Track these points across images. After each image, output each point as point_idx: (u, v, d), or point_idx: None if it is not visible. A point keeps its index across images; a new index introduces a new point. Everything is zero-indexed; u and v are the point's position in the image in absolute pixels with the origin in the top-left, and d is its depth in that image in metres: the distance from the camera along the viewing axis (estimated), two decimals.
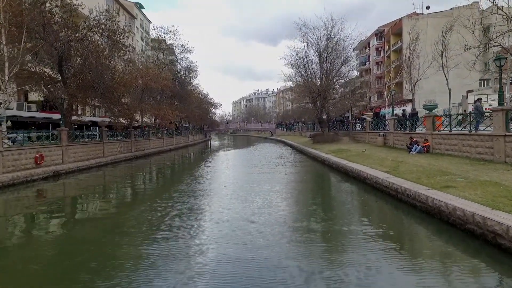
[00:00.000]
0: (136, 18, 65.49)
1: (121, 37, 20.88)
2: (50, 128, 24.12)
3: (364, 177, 12.49)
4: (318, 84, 30.79)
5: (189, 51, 41.95)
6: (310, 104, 34.87)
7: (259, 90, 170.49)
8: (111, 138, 25.93)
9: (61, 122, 20.02)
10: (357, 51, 73.68)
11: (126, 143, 27.83)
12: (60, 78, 20.73)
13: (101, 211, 10.83)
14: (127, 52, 21.86)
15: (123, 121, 24.11)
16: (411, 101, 52.70)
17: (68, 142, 19.66)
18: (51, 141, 18.38)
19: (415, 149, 16.96)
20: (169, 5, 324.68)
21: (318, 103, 30.73)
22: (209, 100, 69.70)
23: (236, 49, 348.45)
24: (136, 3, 67.27)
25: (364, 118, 27.58)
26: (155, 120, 31.57)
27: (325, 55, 30.14)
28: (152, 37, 40.94)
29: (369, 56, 71.63)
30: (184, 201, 10.97)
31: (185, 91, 40.78)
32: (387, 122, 23.45)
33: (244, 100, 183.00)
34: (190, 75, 43.19)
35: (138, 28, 67.25)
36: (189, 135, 53.01)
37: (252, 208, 9.54)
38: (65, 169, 17.95)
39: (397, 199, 9.59)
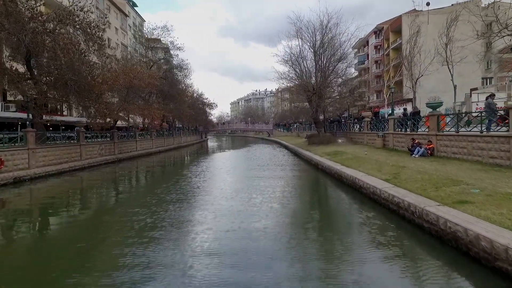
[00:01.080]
0: (128, 16, 63.78)
1: (96, 30, 19.06)
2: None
3: (360, 186, 10.75)
4: (314, 82, 29.06)
5: (179, 49, 40.19)
6: (306, 104, 33.17)
7: (257, 91, 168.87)
8: (90, 140, 24.18)
9: (27, 122, 18.23)
10: (356, 50, 72.04)
11: (108, 145, 26.07)
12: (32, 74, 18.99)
13: (44, 229, 9.08)
14: (104, 47, 20.08)
15: (100, 121, 22.31)
16: (411, 100, 51.09)
17: (37, 144, 17.89)
18: (15, 144, 16.61)
19: (418, 152, 15.23)
20: (166, 7, 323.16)
21: (314, 102, 29.01)
22: (204, 100, 68.04)
23: (234, 50, 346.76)
24: (129, 1, 65.55)
25: (363, 118, 25.83)
26: (143, 120, 29.83)
27: (321, 51, 28.42)
28: (141, 34, 39.12)
29: (367, 55, 69.97)
30: (149, 216, 9.22)
31: (176, 90, 38.97)
32: (386, 122, 21.73)
33: (243, 101, 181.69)
34: (181, 74, 41.35)
35: (130, 27, 65.55)
36: (182, 136, 51.21)
37: (210, 234, 7.52)
38: (30, 175, 16.18)
39: (399, 215, 7.84)
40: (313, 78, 29.47)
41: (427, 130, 16.55)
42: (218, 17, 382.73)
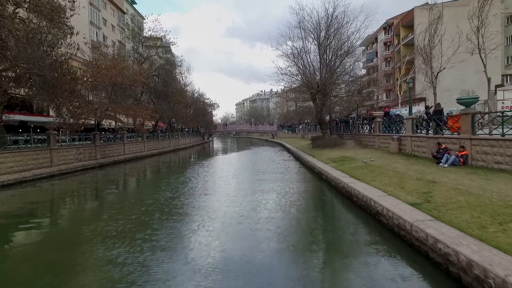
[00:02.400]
0: (126, 13, 61.48)
1: (61, 15, 16.38)
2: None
3: (378, 212, 7.74)
4: (318, 79, 26.04)
5: (171, 44, 37.28)
6: (310, 103, 30.13)
7: (263, 91, 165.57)
8: (65, 144, 21.55)
9: None
10: (364, 47, 68.64)
11: (88, 149, 23.41)
12: None
13: None
14: (70, 36, 17.37)
15: (73, 121, 19.59)
16: (424, 100, 47.69)
17: None
18: None
19: (447, 160, 12.15)
20: (173, 9, 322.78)
21: (318, 100, 25.98)
22: (206, 100, 65.39)
23: (241, 51, 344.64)
24: None
25: (373, 118, 22.72)
26: (134, 121, 27.14)
27: (326, 44, 25.39)
28: (132, 28, 36.35)
29: (376, 52, 66.56)
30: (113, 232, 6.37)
31: (171, 89, 36.20)
32: (402, 123, 18.60)
33: (248, 101, 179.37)
34: (176, 71, 38.44)
35: (129, 24, 63.29)
36: (180, 138, 48.51)
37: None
38: None
39: (454, 277, 4.82)
40: (318, 74, 26.46)
41: (455, 133, 13.45)
42: (224, 18, 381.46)
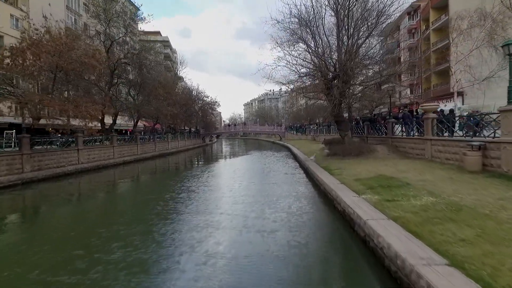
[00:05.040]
0: (117, 2, 55.08)
1: None
2: None
3: None
4: (335, 59, 18.57)
5: (142, 20, 30.29)
6: (323, 96, 22.47)
7: (272, 91, 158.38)
8: None
9: None
10: (382, 38, 60.44)
11: (10, 158, 16.58)
12: None
13: None
14: None
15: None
16: (461, 94, 39.45)
17: None
18: None
19: None
20: (184, 11, 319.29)
21: (335, 90, 18.52)
22: (205, 99, 58.45)
23: (251, 52, 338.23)
24: None
25: (422, 115, 15.20)
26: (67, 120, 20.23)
27: (346, 11, 17.85)
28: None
29: (398, 43, 58.36)
30: None
31: (149, 80, 29.14)
32: (486, 121, 10.99)
33: (256, 101, 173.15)
34: (156, 60, 31.31)
35: (120, 15, 56.93)
36: (170, 141, 41.52)
37: None
38: None
39: None
40: (335, 54, 18.94)
41: None
42: (234, 19, 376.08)
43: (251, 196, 12.12)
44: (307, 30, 18.26)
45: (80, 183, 18.09)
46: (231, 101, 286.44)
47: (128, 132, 39.58)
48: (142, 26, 33.80)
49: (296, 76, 19.08)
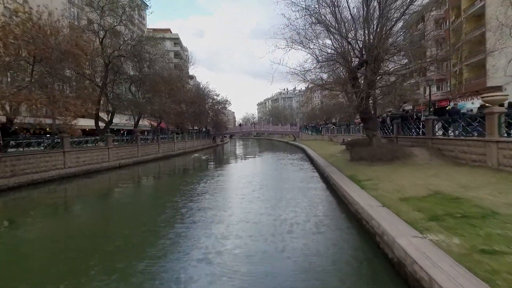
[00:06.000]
0: None
1: None
2: None
3: None
4: (361, 40, 15.14)
5: (137, 7, 27.27)
6: (347, 87, 18.91)
7: (285, 89, 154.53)
8: None
9: None
10: (404, 30, 56.01)
11: None
12: None
13: None
14: None
15: None
16: (500, 88, 34.94)
17: None
18: None
19: None
20: (200, 12, 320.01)
21: (363, 81, 15.09)
22: (215, 97, 55.57)
23: (265, 51, 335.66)
24: None
25: (482, 108, 11.67)
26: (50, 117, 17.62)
27: None
28: None
29: (423, 34, 53.73)
30: None
31: (149, 75, 26.34)
32: None
33: (270, 101, 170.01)
34: (157, 53, 28.49)
35: (114, 1, 54.82)
36: (176, 141, 38.86)
37: None
38: None
39: None
40: (360, 34, 15.46)
41: None
42: (250, 19, 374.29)
43: (255, 230, 8.85)
44: (325, 4, 14.86)
45: (51, 192, 15.37)
46: (245, 101, 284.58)
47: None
48: (151, 24, 31.66)
49: (315, 63, 15.64)
